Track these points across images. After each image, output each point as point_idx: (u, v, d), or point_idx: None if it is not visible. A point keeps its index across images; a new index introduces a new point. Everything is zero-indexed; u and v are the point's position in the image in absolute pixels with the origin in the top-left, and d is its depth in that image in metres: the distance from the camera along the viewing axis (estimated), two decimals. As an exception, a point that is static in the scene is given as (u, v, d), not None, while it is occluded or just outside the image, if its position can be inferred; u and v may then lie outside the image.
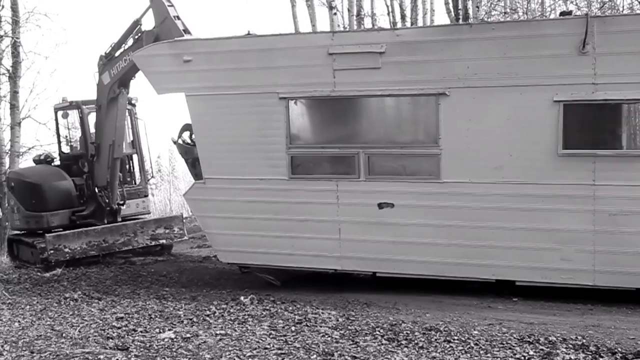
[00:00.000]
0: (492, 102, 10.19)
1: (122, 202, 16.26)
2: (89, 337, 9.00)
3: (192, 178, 13.76)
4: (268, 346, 8.20)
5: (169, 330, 9.16)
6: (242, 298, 10.72)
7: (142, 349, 8.31)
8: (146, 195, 17.93)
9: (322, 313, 9.73)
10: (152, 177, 20.01)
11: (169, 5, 13.00)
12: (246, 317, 9.71)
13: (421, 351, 7.84)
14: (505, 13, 25.08)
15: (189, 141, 13.37)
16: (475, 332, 8.53)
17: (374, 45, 10.67)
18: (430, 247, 10.69)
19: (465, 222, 10.46)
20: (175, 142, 13.68)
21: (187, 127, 13.30)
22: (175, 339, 8.66)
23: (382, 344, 8.14)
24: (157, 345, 8.44)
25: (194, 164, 13.21)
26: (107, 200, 15.70)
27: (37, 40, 53.29)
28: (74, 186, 16.25)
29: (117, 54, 14.60)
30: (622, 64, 9.53)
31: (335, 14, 24.13)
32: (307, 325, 9.11)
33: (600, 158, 9.80)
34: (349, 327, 8.91)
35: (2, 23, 24.79)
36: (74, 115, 17.17)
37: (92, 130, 16.20)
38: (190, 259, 15.93)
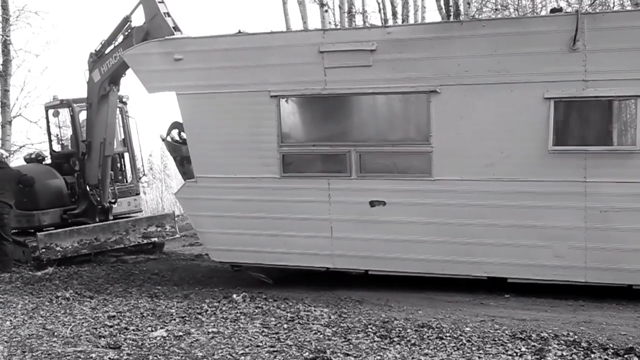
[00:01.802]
0: (483, 99, 10.20)
1: (113, 201, 16.20)
2: (81, 335, 8.99)
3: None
4: (260, 344, 8.21)
5: (161, 328, 9.15)
6: (234, 296, 10.71)
7: (134, 348, 8.31)
8: (137, 194, 17.86)
9: (315, 310, 9.73)
10: (144, 175, 19.97)
11: (159, 2, 12.96)
12: (238, 315, 9.71)
13: (413, 348, 7.86)
14: (496, 10, 25.11)
15: (178, 139, 13.35)
16: (468, 328, 8.55)
17: (365, 43, 10.66)
18: (422, 245, 10.70)
19: (457, 219, 10.47)
20: (163, 140, 13.66)
21: (175, 125, 13.27)
22: (167, 337, 8.66)
23: (375, 341, 8.16)
24: (149, 344, 8.43)
25: (182, 162, 13.20)
26: (98, 199, 15.64)
27: (27, 38, 53.23)
28: (65, 185, 16.18)
29: (107, 51, 14.54)
30: (613, 60, 9.55)
31: (326, 11, 24.13)
32: (300, 323, 9.12)
33: (591, 155, 9.81)
34: (342, 325, 8.92)
35: (-8, 21, 24.75)
36: (64, 113, 17.09)
37: (83, 128, 16.14)
38: (182, 257, 15.91)
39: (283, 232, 11.40)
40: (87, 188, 15.67)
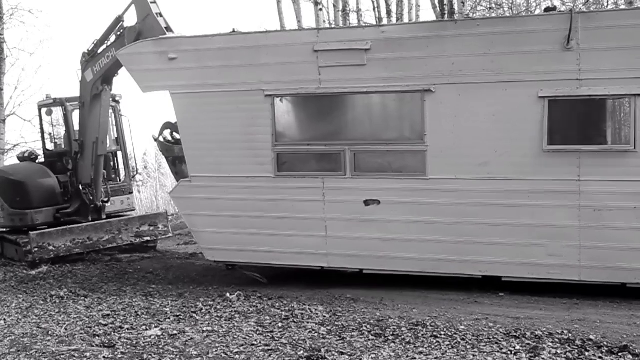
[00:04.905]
0: (477, 98, 10.21)
1: (106, 200, 16.20)
2: (75, 334, 8.99)
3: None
4: (255, 342, 8.21)
5: (156, 327, 9.15)
6: (228, 295, 10.71)
7: (128, 346, 8.30)
8: (131, 192, 17.86)
9: (309, 309, 9.74)
10: (138, 173, 19.95)
11: (151, 2, 12.94)
12: (233, 313, 9.71)
13: (408, 346, 7.86)
14: (490, 9, 25.13)
15: (170, 139, 13.35)
16: (462, 327, 8.56)
17: (359, 42, 10.67)
18: (416, 244, 10.71)
19: (451, 218, 10.48)
20: (156, 140, 13.65)
21: (168, 125, 13.30)
22: (162, 336, 8.66)
23: (369, 340, 8.16)
24: (143, 342, 8.43)
25: (174, 162, 13.22)
26: (91, 198, 15.64)
27: (21, 36, 52.83)
28: (58, 184, 16.19)
29: (99, 50, 14.54)
30: (607, 59, 9.57)
31: (320, 9, 24.10)
32: (294, 322, 9.12)
33: (585, 154, 9.84)
34: (336, 323, 8.93)
35: (-14, 20, 24.70)
36: (57, 112, 17.09)
37: (76, 127, 16.13)
38: (176, 256, 15.89)
39: (277, 231, 11.40)
40: (80, 187, 15.68)
